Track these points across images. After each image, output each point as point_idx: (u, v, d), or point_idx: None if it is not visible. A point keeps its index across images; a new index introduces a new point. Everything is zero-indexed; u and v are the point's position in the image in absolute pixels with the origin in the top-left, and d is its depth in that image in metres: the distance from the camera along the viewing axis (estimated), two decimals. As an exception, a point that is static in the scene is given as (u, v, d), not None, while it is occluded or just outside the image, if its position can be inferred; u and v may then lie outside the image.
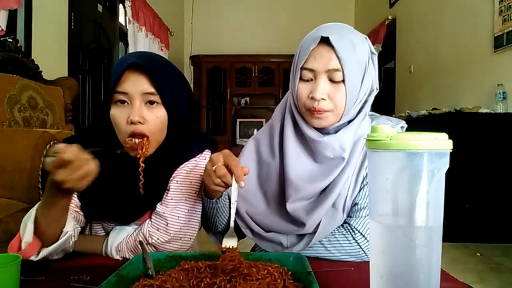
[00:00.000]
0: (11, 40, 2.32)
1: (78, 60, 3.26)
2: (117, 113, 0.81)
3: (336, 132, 0.85)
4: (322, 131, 0.85)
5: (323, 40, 0.79)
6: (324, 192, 0.85)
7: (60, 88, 2.55)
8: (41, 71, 2.53)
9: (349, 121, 0.86)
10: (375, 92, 0.88)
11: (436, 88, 3.90)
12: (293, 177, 0.84)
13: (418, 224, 0.51)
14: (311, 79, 0.82)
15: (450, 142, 0.49)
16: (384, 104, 5.42)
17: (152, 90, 0.80)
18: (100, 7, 3.68)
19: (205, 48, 6.36)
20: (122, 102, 0.81)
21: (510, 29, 2.78)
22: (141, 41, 4.18)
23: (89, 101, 3.44)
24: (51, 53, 2.84)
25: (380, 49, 4.98)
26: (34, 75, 2.42)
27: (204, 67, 6.33)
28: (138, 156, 0.82)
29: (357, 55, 0.80)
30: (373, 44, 5.09)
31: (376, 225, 0.53)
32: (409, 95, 4.58)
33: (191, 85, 6.44)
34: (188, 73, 6.53)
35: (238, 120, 6.31)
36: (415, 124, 3.18)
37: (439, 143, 0.48)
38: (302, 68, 0.82)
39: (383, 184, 0.53)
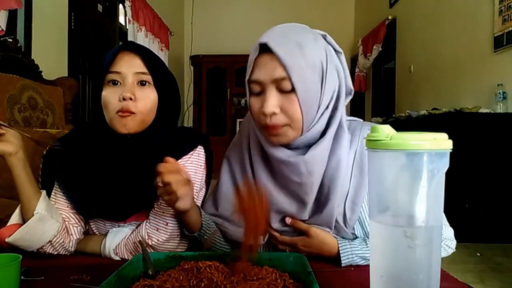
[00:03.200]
0: (11, 40, 2.33)
1: (78, 60, 3.26)
2: (109, 93, 0.82)
3: (307, 146, 0.77)
4: (290, 146, 0.77)
5: (265, 47, 0.70)
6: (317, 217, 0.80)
7: (60, 88, 2.55)
8: (41, 71, 2.53)
9: (322, 134, 0.77)
10: (344, 96, 0.79)
11: (436, 88, 3.90)
12: (271, 203, 0.79)
13: (418, 224, 0.51)
14: (261, 92, 0.74)
15: (450, 142, 0.49)
16: (384, 104, 5.43)
17: (145, 70, 0.83)
18: (100, 7, 3.68)
19: (205, 48, 6.36)
20: (115, 83, 0.83)
21: (510, 29, 2.78)
22: (141, 41, 4.18)
23: (89, 101, 3.43)
24: (51, 53, 2.84)
25: (380, 49, 4.97)
26: (34, 75, 2.42)
27: (204, 67, 6.33)
28: (126, 131, 0.82)
29: (307, 58, 0.70)
30: (373, 44, 5.11)
31: (376, 225, 0.53)
32: (409, 95, 4.58)
33: (191, 85, 6.47)
34: (188, 73, 6.53)
35: (238, 120, 6.31)
36: (415, 124, 3.18)
37: (439, 143, 0.48)
38: (250, 81, 0.75)
39: (383, 184, 0.53)
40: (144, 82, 0.83)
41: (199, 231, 0.83)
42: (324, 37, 0.78)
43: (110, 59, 0.83)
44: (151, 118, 0.85)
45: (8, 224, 0.77)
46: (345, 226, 0.80)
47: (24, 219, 0.78)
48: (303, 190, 0.77)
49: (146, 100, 0.83)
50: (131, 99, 0.81)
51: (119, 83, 0.83)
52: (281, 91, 0.71)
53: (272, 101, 0.71)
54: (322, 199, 0.79)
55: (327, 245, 0.79)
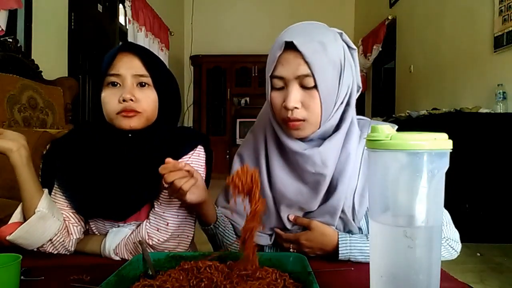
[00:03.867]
0: (11, 40, 2.33)
1: (78, 60, 3.26)
2: (109, 94, 0.83)
3: (320, 139, 0.81)
4: (304, 139, 0.81)
5: (289, 45, 0.74)
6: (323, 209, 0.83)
7: (60, 88, 2.55)
8: (41, 71, 2.53)
9: (335, 128, 0.82)
10: (357, 92, 0.83)
11: (436, 88, 3.90)
12: (282, 194, 0.83)
13: (418, 224, 0.51)
14: (283, 87, 0.78)
15: (450, 142, 0.49)
16: (384, 104, 5.43)
17: (144, 72, 0.83)
18: (100, 7, 3.68)
19: (205, 48, 6.36)
20: (114, 84, 0.83)
21: (510, 29, 2.78)
22: (141, 41, 4.18)
23: (89, 101, 3.44)
24: (51, 53, 2.84)
25: (380, 49, 4.98)
26: (34, 75, 2.42)
27: (204, 67, 6.33)
28: (129, 127, 0.82)
29: (329, 56, 0.74)
30: (373, 44, 5.11)
31: (376, 225, 0.53)
32: (409, 95, 4.58)
33: (191, 85, 6.47)
34: (188, 73, 6.53)
35: (238, 120, 6.32)
36: (415, 124, 3.18)
37: (439, 143, 0.48)
38: (272, 76, 0.78)
39: (383, 184, 0.53)
40: (143, 84, 0.84)
41: (214, 223, 0.86)
42: (340, 35, 0.81)
43: (109, 61, 0.83)
44: (154, 117, 0.86)
45: (9, 222, 0.77)
46: (353, 219, 0.82)
47: (25, 217, 0.78)
48: (316, 179, 0.80)
49: (148, 100, 0.83)
50: (131, 100, 0.81)
51: (118, 85, 0.83)
52: (303, 87, 0.75)
53: (295, 97, 0.75)
54: (330, 190, 0.82)
55: (327, 236, 0.81)
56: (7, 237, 0.75)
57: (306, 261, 0.65)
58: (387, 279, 0.52)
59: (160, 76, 0.86)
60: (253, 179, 0.64)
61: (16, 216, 0.79)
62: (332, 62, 0.75)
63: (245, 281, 0.59)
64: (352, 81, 0.81)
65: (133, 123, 0.82)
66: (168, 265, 0.69)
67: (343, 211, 0.82)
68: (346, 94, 0.80)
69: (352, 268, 0.76)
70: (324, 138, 0.81)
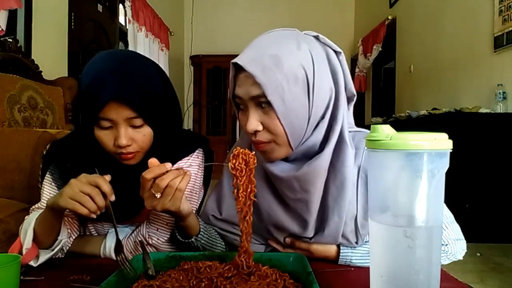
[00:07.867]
0: (11, 40, 2.33)
1: (78, 60, 3.26)
2: (103, 135, 0.79)
3: (306, 158, 0.73)
4: (287, 159, 0.75)
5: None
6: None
7: (60, 88, 2.55)
8: (41, 71, 2.53)
9: (321, 147, 0.73)
10: (346, 104, 0.74)
11: (436, 88, 3.90)
12: (270, 218, 0.79)
13: (418, 224, 0.51)
14: (244, 108, 0.73)
15: (450, 142, 0.49)
16: (384, 104, 5.43)
17: (136, 114, 0.77)
18: (100, 7, 3.68)
19: (205, 48, 6.36)
20: (107, 126, 0.78)
21: (510, 29, 2.78)
22: (141, 41, 4.18)
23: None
24: (51, 53, 2.84)
25: (380, 49, 4.98)
26: (34, 75, 2.42)
27: (204, 67, 6.33)
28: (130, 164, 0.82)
29: (284, 70, 0.66)
30: (373, 44, 5.11)
31: (376, 225, 0.53)
32: (409, 95, 4.58)
33: (191, 85, 6.46)
34: (188, 73, 6.53)
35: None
36: (415, 124, 3.18)
37: (439, 143, 0.48)
38: (233, 97, 0.74)
39: (383, 184, 0.53)
40: (137, 125, 0.78)
41: (196, 235, 0.79)
42: (316, 38, 0.74)
43: (99, 106, 0.75)
44: (150, 143, 0.83)
45: (24, 247, 0.74)
46: (357, 243, 0.78)
47: (37, 235, 0.76)
48: (299, 207, 0.75)
49: (143, 138, 0.80)
50: (128, 145, 0.78)
51: (111, 127, 0.78)
52: (262, 107, 0.70)
53: (253, 119, 0.70)
54: (324, 218, 0.76)
55: (329, 258, 0.79)
56: (32, 263, 0.75)
57: (306, 261, 0.65)
58: (387, 279, 0.52)
59: (154, 111, 0.80)
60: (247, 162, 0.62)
61: (29, 239, 0.75)
62: (292, 76, 0.67)
63: (245, 281, 0.59)
64: (337, 90, 0.72)
65: (132, 162, 0.81)
66: (168, 265, 0.69)
67: (344, 235, 0.76)
68: (327, 108, 0.72)
69: (352, 268, 0.76)
70: (310, 156, 0.73)
